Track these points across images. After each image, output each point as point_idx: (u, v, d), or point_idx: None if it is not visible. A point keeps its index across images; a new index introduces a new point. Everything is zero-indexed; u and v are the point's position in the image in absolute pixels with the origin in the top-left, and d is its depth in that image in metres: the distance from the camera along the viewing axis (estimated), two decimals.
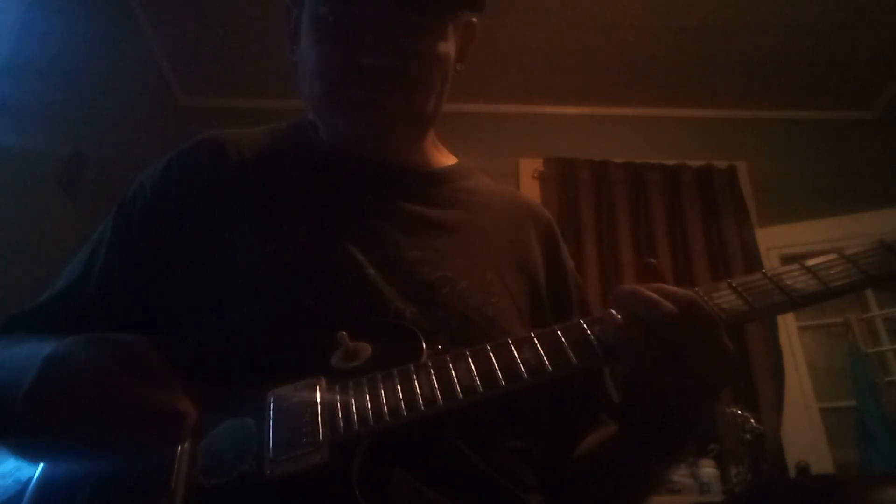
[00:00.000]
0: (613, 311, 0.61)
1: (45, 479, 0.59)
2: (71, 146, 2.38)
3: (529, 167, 3.26)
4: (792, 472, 2.53)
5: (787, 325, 2.90)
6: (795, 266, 0.65)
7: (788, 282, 0.64)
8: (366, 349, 0.64)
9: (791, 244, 2.92)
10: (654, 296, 0.59)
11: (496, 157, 3.13)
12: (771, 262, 2.93)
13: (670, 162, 3.25)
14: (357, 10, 0.80)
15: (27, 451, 0.61)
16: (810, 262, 0.65)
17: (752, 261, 2.95)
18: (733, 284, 0.64)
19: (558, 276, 0.91)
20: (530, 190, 3.18)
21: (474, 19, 0.93)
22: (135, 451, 0.55)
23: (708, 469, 2.35)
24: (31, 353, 0.62)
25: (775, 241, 3.00)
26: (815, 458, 2.61)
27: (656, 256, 3.01)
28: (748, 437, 2.50)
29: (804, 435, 2.71)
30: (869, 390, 2.69)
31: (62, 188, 2.34)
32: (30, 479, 0.59)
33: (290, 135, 0.94)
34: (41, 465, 0.60)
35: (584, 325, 0.63)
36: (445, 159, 0.98)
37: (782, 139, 3.38)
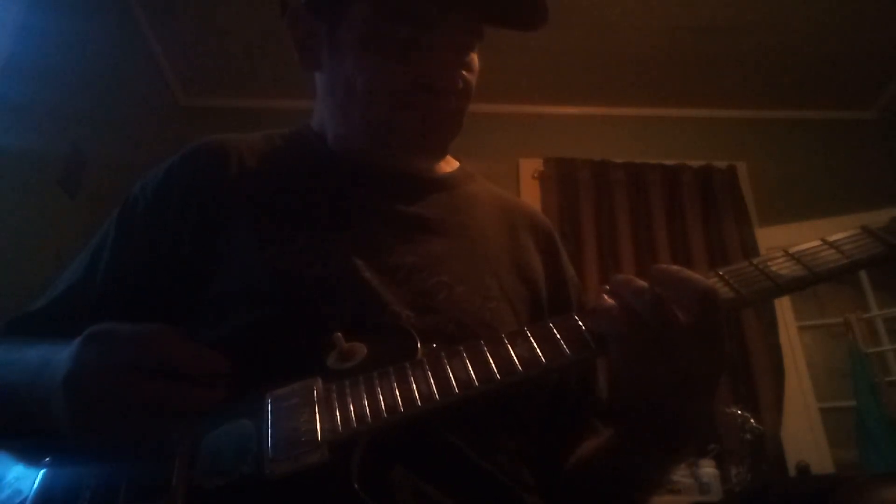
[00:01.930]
0: (605, 297, 0.61)
1: (45, 486, 0.59)
2: (71, 146, 2.38)
3: (529, 167, 3.27)
4: (792, 472, 2.54)
5: (787, 325, 2.90)
6: (780, 253, 0.67)
7: (774, 268, 0.65)
8: (361, 349, 0.64)
9: (791, 244, 2.90)
10: (643, 283, 0.60)
11: (496, 157, 3.14)
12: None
13: (670, 162, 3.25)
14: (428, 30, 0.80)
15: (34, 449, 0.62)
16: (795, 249, 0.67)
17: None
18: (720, 273, 0.65)
19: (559, 283, 0.92)
20: (530, 190, 3.18)
21: None
22: (166, 427, 0.58)
23: (708, 469, 2.35)
24: (46, 353, 0.62)
25: (775, 241, 2.99)
26: (815, 458, 2.62)
27: (656, 256, 3.01)
28: (748, 437, 2.51)
29: (804, 435, 2.72)
30: (869, 390, 2.69)
31: (62, 188, 2.34)
32: (30, 489, 0.59)
33: (291, 141, 0.94)
34: (41, 472, 0.60)
35: (577, 318, 0.63)
36: (446, 165, 0.98)
37: (782, 139, 3.38)
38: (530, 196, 3.14)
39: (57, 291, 0.84)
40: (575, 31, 3.00)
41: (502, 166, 3.19)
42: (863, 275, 2.95)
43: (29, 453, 0.62)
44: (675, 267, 0.61)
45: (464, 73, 0.84)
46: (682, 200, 3.17)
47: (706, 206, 3.15)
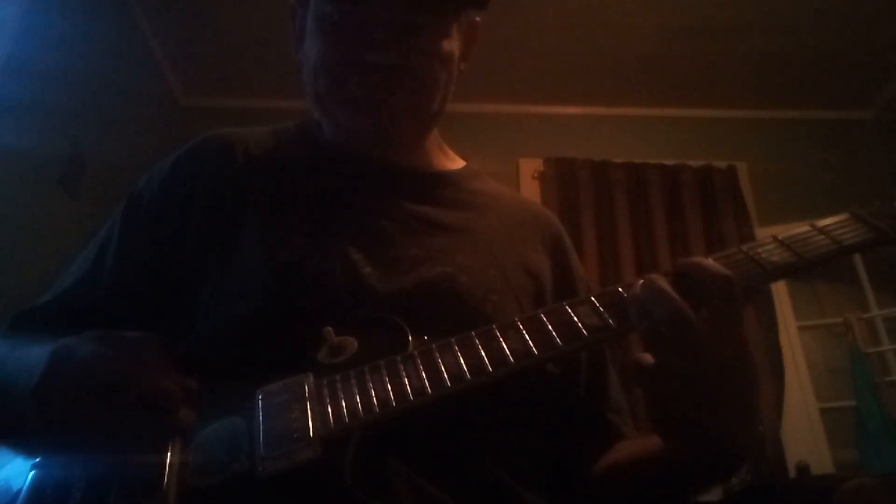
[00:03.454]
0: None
1: (38, 482, 0.59)
2: (71, 146, 2.38)
3: (529, 167, 3.26)
4: (792, 472, 2.53)
5: (787, 325, 2.90)
6: (769, 239, 0.66)
7: (763, 254, 0.65)
8: (351, 343, 0.64)
9: None
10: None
11: (496, 157, 3.13)
12: None
13: (670, 162, 3.25)
14: (362, 8, 0.80)
15: (30, 447, 0.61)
16: (784, 235, 0.66)
17: None
18: (710, 259, 0.64)
19: (567, 281, 0.91)
20: (530, 190, 3.18)
21: (478, 18, 0.93)
22: (136, 439, 0.56)
23: None
24: (40, 353, 0.63)
25: None
26: (815, 458, 2.61)
27: (656, 256, 3.01)
28: None
29: (804, 435, 2.71)
30: (869, 390, 2.69)
31: (62, 188, 2.34)
32: (23, 485, 0.59)
33: (296, 134, 0.94)
34: (34, 469, 0.60)
35: (568, 308, 0.63)
36: (451, 163, 0.98)
37: (782, 139, 3.38)
38: (530, 196, 3.14)
39: (65, 285, 0.84)
40: (575, 31, 3.00)
41: (502, 166, 3.18)
42: (863, 274, 2.95)
43: (23, 450, 0.62)
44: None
45: (412, 54, 0.82)
46: (682, 200, 3.16)
47: (706, 206, 3.15)
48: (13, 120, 2.05)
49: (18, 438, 0.62)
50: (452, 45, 0.86)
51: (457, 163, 0.99)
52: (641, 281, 0.61)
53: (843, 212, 0.68)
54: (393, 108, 0.83)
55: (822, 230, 0.66)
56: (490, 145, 3.16)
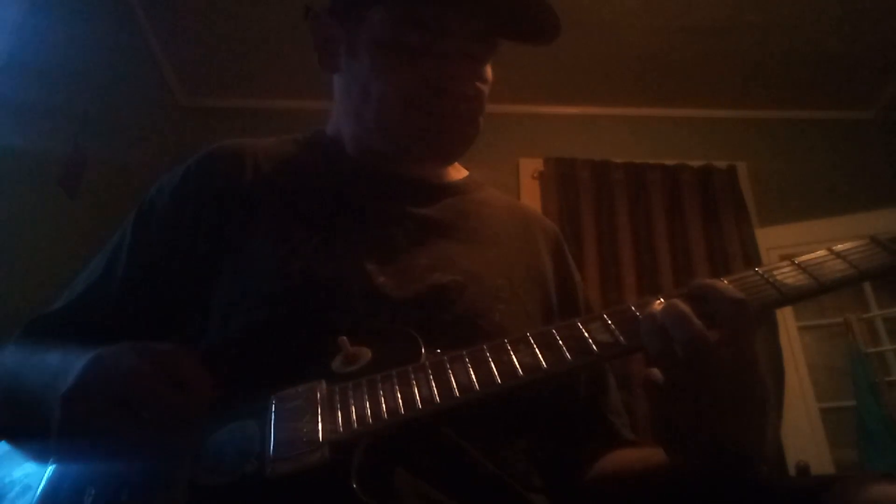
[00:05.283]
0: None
1: (52, 482, 0.60)
2: (71, 146, 2.38)
3: (529, 167, 3.27)
4: (792, 472, 2.53)
5: (787, 325, 2.90)
6: (786, 263, 0.67)
7: (779, 277, 0.65)
8: (366, 353, 0.65)
9: (791, 244, 2.91)
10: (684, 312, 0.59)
11: (496, 156, 3.13)
12: (771, 262, 2.93)
13: (670, 162, 3.25)
14: (445, 39, 0.82)
15: (49, 450, 0.62)
16: (801, 259, 0.67)
17: (753, 261, 2.95)
18: (724, 281, 0.65)
19: (567, 286, 0.93)
20: (530, 190, 3.18)
21: None
22: (153, 452, 0.57)
23: None
24: (64, 360, 0.63)
25: (775, 241, 3.00)
26: (815, 458, 2.62)
27: (656, 256, 3.01)
28: None
29: (804, 435, 2.71)
30: (869, 390, 2.69)
31: (62, 188, 2.34)
32: (38, 484, 0.60)
33: (305, 146, 0.96)
34: (49, 469, 0.61)
35: (580, 325, 0.64)
36: (456, 173, 1.00)
37: (782, 139, 3.38)
38: (530, 196, 3.14)
39: (75, 293, 0.85)
40: (575, 31, 3.00)
41: (502, 166, 3.18)
42: None
43: (40, 451, 0.63)
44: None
45: (476, 83, 0.86)
46: (682, 200, 3.16)
47: (706, 206, 3.15)
48: (13, 120, 2.05)
49: (36, 442, 0.63)
50: (490, 70, 0.91)
51: (460, 172, 1.01)
52: (659, 302, 0.61)
53: (862, 238, 0.68)
54: (465, 135, 0.87)
55: (839, 254, 0.66)
56: (490, 145, 3.14)
